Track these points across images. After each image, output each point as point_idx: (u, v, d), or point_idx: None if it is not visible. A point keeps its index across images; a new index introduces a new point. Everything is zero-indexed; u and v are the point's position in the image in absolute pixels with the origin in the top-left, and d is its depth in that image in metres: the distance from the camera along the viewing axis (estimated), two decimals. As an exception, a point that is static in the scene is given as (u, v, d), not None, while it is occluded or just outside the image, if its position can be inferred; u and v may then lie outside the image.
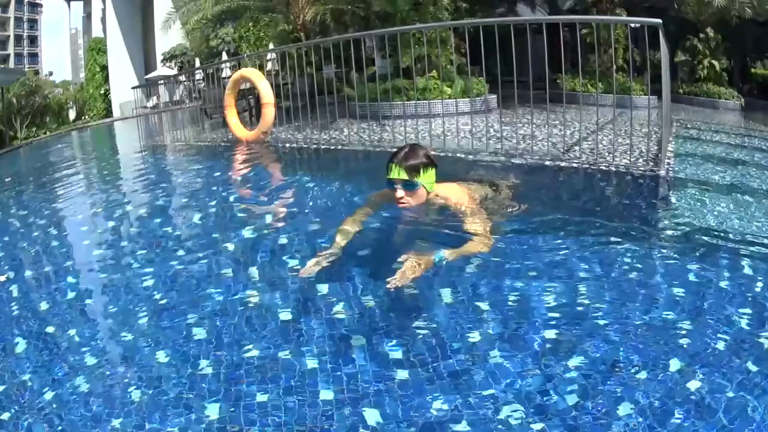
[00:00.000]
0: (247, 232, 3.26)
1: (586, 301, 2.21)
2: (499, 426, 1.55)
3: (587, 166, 4.59)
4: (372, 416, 1.61)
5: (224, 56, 22.10)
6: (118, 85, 30.64)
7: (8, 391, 1.92)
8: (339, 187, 4.41)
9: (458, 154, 5.06)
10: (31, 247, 3.70)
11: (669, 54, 5.96)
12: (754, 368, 1.71)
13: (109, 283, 2.81)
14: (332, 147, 6.13)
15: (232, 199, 4.50)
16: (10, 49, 54.55)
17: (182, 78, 22.96)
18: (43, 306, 2.59)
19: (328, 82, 8.45)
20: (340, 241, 2.52)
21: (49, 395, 1.84)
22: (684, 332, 1.96)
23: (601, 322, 2.06)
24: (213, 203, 4.26)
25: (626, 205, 3.82)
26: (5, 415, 1.78)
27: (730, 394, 1.60)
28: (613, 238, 2.84)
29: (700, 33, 13.63)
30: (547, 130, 5.66)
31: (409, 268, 2.14)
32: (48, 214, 4.78)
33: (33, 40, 57.40)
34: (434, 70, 8.43)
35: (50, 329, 2.34)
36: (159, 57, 30.57)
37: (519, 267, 2.50)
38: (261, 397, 1.73)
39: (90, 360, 2.05)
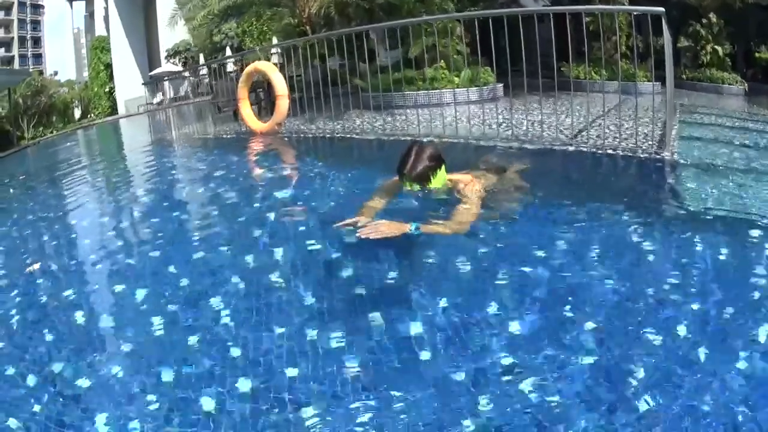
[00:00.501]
0: (270, 217, 3.48)
1: (596, 273, 2.40)
2: (517, 391, 1.70)
3: (594, 150, 4.77)
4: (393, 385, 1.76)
5: (228, 51, 22.27)
6: (122, 83, 30.87)
7: (46, 375, 2.05)
8: (357, 173, 4.60)
9: (470, 140, 5.25)
10: (62, 237, 3.92)
11: (672, 40, 6.11)
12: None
13: (135, 269, 2.97)
14: (347, 136, 6.33)
15: (253, 186, 4.71)
16: (15, 51, 54.86)
17: (193, 73, 23.11)
18: (75, 293, 2.72)
19: (334, 73, 8.60)
20: (368, 213, 2.67)
21: (84, 381, 1.97)
22: (690, 298, 2.13)
23: (611, 288, 2.26)
24: (235, 191, 4.46)
25: (632, 185, 4.02)
26: (45, 397, 1.92)
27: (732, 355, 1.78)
28: (619, 215, 3.03)
29: (702, 18, 13.70)
30: (555, 117, 5.83)
31: (384, 224, 2.38)
32: (72, 206, 5.00)
33: (36, 41, 57.67)
34: (442, 60, 8.59)
35: (81, 316, 2.48)
36: (163, 53, 30.73)
37: (532, 240, 2.71)
38: (291, 372, 1.87)
39: (125, 346, 2.19)
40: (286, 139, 6.73)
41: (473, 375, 1.78)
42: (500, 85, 8.57)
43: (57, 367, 2.08)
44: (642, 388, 1.66)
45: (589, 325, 1.96)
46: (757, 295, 2.17)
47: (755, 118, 9.02)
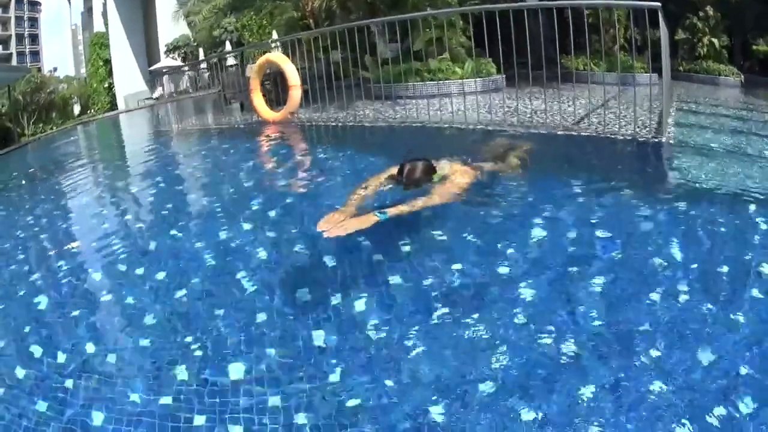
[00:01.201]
0: (287, 199, 3.74)
1: (600, 242, 2.65)
2: (532, 344, 1.93)
3: (595, 135, 5.05)
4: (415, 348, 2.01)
5: (227, 45, 22.42)
6: (122, 79, 30.98)
7: (75, 348, 2.29)
8: (376, 156, 4.88)
9: (479, 126, 5.52)
10: (92, 219, 4.19)
11: (669, 32, 6.37)
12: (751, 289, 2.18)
13: (160, 249, 3.22)
14: (359, 124, 6.60)
15: (270, 171, 4.99)
16: (12, 49, 54.75)
17: (193, 67, 23.23)
18: (106, 273, 2.97)
19: (337, 65, 8.81)
20: (355, 202, 2.81)
21: (112, 357, 2.21)
22: (689, 265, 2.40)
23: (615, 247, 2.54)
24: (253, 176, 4.74)
25: (631, 164, 4.32)
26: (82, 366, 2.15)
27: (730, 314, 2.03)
28: (619, 191, 3.32)
29: (699, 11, 13.94)
30: (558, 105, 6.10)
31: (349, 222, 2.47)
32: (88, 193, 5.27)
33: (34, 39, 57.52)
34: (446, 52, 8.85)
35: (108, 296, 2.71)
36: (162, 48, 30.80)
37: (541, 212, 2.97)
38: (317, 341, 2.11)
39: (149, 319, 2.41)
40: (299, 127, 7.00)
41: (492, 329, 2.03)
42: (502, 77, 8.84)
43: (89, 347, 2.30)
44: (648, 336, 1.90)
45: (598, 280, 2.23)
46: (744, 254, 2.46)
47: (750, 107, 9.29)
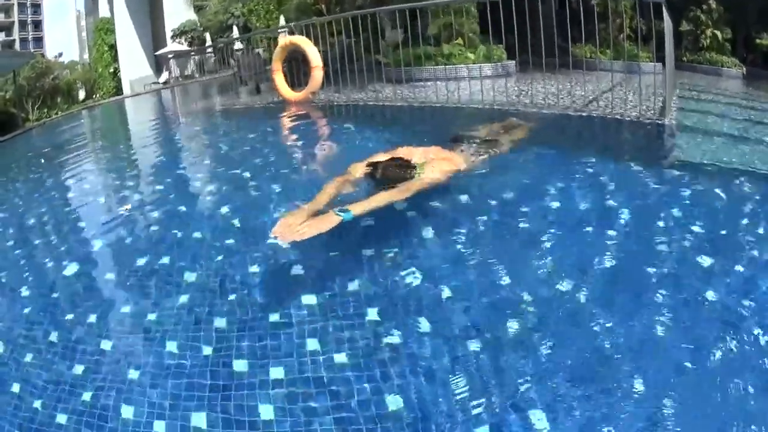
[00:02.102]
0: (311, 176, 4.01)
1: (609, 211, 2.92)
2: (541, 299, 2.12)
3: (603, 116, 5.43)
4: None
5: (234, 30, 22.69)
6: (127, 63, 31.15)
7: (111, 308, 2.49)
8: (393, 132, 5.28)
9: (496, 107, 5.90)
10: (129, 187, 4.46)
11: (674, 23, 6.72)
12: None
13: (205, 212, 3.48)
14: (379, 103, 6.97)
15: (294, 148, 5.34)
16: (15, 35, 54.66)
17: (199, 51, 23.41)
18: (144, 238, 3.18)
19: (351, 48, 9.09)
20: (320, 200, 2.59)
21: (152, 315, 2.35)
22: (690, 235, 2.65)
23: (623, 212, 2.91)
24: (276, 153, 5.07)
25: (636, 141, 4.71)
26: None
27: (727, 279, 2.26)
28: (624, 165, 3.70)
29: (702, 4, 14.26)
30: (568, 89, 6.48)
31: (308, 225, 2.23)
32: (107, 171, 5.53)
33: (37, 25, 57.34)
34: (459, 38, 9.21)
35: (142, 260, 2.85)
36: (168, 33, 30.96)
37: (553, 183, 3.24)
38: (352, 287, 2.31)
39: (188, 276, 2.57)
40: (321, 106, 7.35)
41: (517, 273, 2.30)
42: (513, 62, 9.19)
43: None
44: (654, 285, 2.17)
45: (609, 240, 2.59)
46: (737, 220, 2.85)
47: (749, 97, 9.67)
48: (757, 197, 3.15)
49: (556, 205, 2.95)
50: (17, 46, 53.14)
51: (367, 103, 7.08)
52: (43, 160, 7.36)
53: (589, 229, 2.71)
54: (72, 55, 49.12)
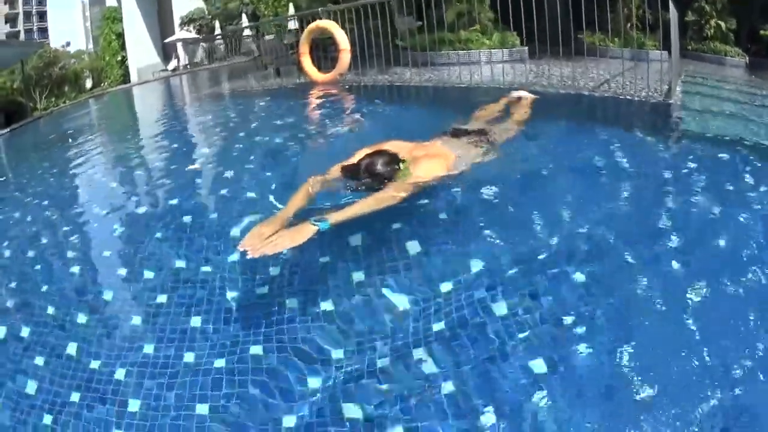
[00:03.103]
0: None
1: (621, 171, 3.39)
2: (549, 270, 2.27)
3: (614, 96, 5.94)
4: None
5: (244, 18, 22.99)
6: (135, 52, 31.35)
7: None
8: (420, 110, 5.79)
9: (514, 87, 6.40)
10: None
11: (679, 14, 7.18)
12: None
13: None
14: (404, 84, 7.47)
15: (327, 124, 5.83)
16: (20, 26, 54.72)
17: (210, 38, 23.71)
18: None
19: (371, 33, 9.49)
20: (286, 211, 2.38)
21: (206, 267, 2.60)
22: (691, 204, 2.93)
23: (635, 180, 3.39)
24: (310, 129, 5.56)
25: (644, 117, 5.24)
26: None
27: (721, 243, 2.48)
28: (634, 137, 4.22)
29: (707, -5, 14.70)
30: (581, 72, 6.99)
31: (281, 236, 2.12)
32: (127, 153, 5.84)
33: (42, 16, 57.32)
34: (476, 24, 9.70)
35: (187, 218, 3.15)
36: (177, 21, 31.15)
37: (568, 158, 3.63)
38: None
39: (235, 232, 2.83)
40: (347, 87, 7.84)
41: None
42: (526, 48, 9.67)
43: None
44: (662, 250, 2.36)
45: (621, 201, 3.01)
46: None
47: (751, 84, 10.14)
48: (755, 162, 3.65)
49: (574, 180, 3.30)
50: (22, 37, 53.15)
51: (393, 84, 7.58)
52: (81, 138, 7.79)
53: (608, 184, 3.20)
54: (77, 45, 49.24)
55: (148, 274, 2.71)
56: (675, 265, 2.24)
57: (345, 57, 7.83)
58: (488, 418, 1.68)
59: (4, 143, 10.07)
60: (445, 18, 9.49)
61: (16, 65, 21.46)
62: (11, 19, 55.40)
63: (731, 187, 3.11)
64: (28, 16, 56.60)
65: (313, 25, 8.39)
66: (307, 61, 8.44)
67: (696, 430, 1.55)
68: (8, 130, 12.32)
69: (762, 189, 3.05)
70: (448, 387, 1.80)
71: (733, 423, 1.58)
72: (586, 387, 1.74)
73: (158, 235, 3.10)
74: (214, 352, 2.11)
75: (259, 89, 9.41)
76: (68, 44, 47.74)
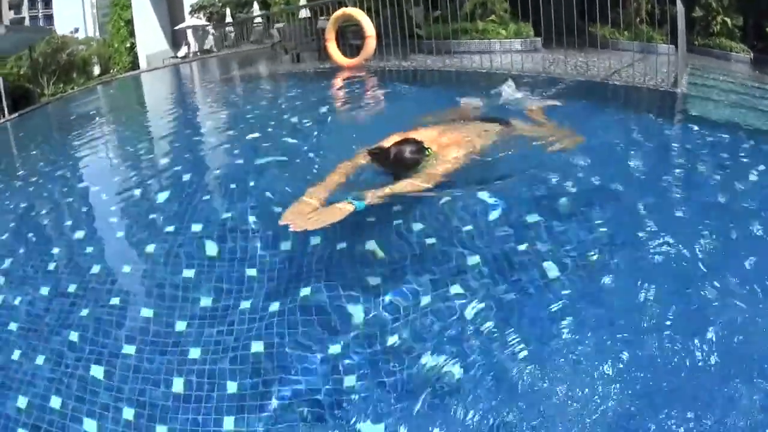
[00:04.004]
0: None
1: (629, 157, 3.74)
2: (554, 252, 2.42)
3: (625, 84, 6.43)
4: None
5: (255, 5, 23.22)
6: (144, 39, 31.52)
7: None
8: (449, 91, 6.29)
9: (533, 73, 6.92)
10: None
11: (686, 9, 7.64)
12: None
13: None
14: (428, 69, 7.97)
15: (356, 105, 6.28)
16: (25, 12, 54.60)
17: (220, 26, 23.88)
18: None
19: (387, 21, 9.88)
20: (325, 189, 2.50)
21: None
22: (696, 185, 3.17)
23: (647, 158, 3.90)
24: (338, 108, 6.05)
25: (654, 102, 5.75)
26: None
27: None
28: (646, 116, 4.74)
29: (713, -9, 15.09)
30: (593, 62, 7.48)
31: (324, 214, 2.23)
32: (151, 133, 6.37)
33: (47, 2, 57.19)
34: (492, 15, 10.18)
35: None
36: (186, 9, 31.28)
37: (593, 131, 4.03)
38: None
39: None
40: (372, 71, 8.30)
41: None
42: (539, 39, 10.15)
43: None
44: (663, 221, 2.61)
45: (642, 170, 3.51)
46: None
47: (754, 78, 10.63)
48: (751, 141, 4.14)
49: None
50: (26, 23, 52.97)
51: (417, 69, 8.08)
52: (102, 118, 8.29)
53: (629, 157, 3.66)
54: (83, 32, 49.26)
55: (195, 226, 3.03)
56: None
57: (371, 43, 8.28)
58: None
59: (12, 127, 10.34)
60: (465, 8, 9.97)
61: (24, 51, 21.61)
62: (16, 5, 55.14)
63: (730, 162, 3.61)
64: (33, 2, 56.39)
65: (339, 12, 8.82)
66: (333, 47, 8.89)
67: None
68: (17, 114, 12.66)
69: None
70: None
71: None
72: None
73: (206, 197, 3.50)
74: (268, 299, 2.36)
75: (285, 72, 9.85)
76: (77, 30, 47.76)
